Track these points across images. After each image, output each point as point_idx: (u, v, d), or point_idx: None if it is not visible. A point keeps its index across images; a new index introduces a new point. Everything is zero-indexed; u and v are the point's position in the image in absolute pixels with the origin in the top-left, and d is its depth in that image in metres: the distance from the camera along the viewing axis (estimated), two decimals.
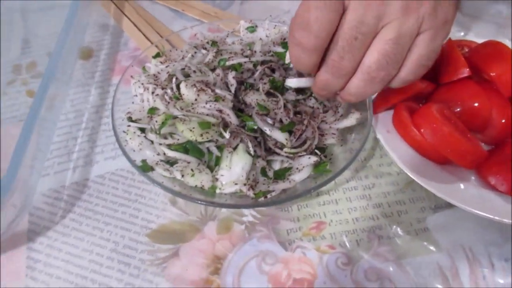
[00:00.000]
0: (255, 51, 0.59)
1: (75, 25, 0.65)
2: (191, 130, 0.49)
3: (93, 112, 0.63)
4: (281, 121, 0.53)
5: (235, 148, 0.50)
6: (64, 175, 0.56)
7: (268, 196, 0.48)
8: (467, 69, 0.56)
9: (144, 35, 0.75)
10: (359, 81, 0.43)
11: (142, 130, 0.53)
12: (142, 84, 0.56)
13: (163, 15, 0.80)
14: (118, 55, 0.72)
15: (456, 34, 0.77)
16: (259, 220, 0.52)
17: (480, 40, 0.62)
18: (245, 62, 0.57)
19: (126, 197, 0.54)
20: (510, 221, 0.47)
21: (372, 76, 0.42)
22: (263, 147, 0.53)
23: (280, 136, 0.51)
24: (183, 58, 0.61)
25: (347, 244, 0.50)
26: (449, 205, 0.52)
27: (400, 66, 0.42)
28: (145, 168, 0.49)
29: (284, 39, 0.64)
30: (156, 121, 0.52)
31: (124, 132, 0.53)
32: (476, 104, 0.55)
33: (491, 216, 0.48)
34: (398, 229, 0.51)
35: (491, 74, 0.55)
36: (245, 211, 0.52)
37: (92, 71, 0.69)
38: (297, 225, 0.51)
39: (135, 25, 0.77)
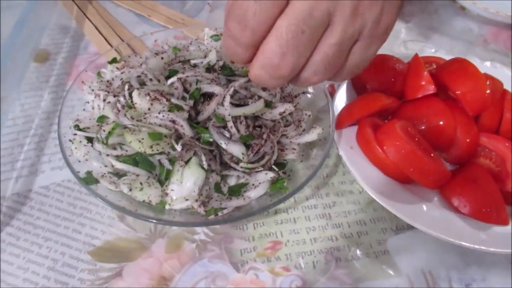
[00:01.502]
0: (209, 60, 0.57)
1: (30, 26, 0.62)
2: (140, 141, 0.46)
3: (43, 118, 0.60)
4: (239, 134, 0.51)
5: (187, 162, 0.47)
6: (5, 185, 0.52)
7: (220, 213, 0.46)
8: (433, 86, 0.55)
9: (105, 39, 0.71)
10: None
11: (90, 139, 0.50)
12: (93, 90, 0.52)
13: (128, 20, 0.77)
14: (76, 59, 0.69)
15: (427, 50, 0.76)
16: (212, 238, 0.49)
17: (450, 57, 0.61)
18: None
19: (71, 211, 0.50)
20: (471, 245, 0.46)
21: (302, 81, 0.38)
22: (219, 161, 0.50)
23: (236, 150, 0.49)
24: (141, 65, 0.58)
25: (303, 266, 0.47)
26: (411, 227, 0.50)
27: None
28: (88, 180, 0.46)
29: None
30: (104, 130, 0.49)
31: (70, 141, 0.49)
32: (441, 122, 0.54)
33: (452, 240, 0.46)
34: (357, 251, 0.49)
35: (457, 92, 0.54)
36: (197, 228, 0.49)
37: (47, 75, 0.66)
38: (251, 245, 0.48)
39: (96, 28, 0.73)
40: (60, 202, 0.51)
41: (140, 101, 0.50)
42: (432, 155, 0.51)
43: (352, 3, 0.34)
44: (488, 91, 0.53)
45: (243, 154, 0.49)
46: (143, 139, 0.46)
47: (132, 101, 0.51)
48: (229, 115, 0.49)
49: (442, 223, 0.48)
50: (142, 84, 0.54)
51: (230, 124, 0.49)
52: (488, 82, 0.57)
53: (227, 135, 0.50)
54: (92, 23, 0.74)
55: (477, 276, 0.47)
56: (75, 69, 0.67)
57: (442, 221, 0.48)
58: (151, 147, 0.46)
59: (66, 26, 0.75)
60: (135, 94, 0.50)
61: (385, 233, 0.50)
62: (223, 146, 0.49)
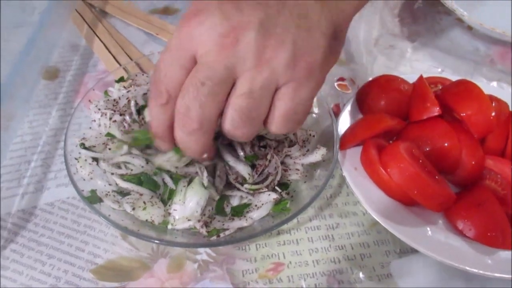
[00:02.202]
0: None
1: (41, 44, 0.63)
2: (168, 161, 0.46)
3: (51, 135, 0.60)
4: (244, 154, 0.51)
5: (190, 182, 0.47)
6: (11, 202, 0.53)
7: (222, 235, 0.45)
8: (437, 108, 0.55)
9: (114, 57, 0.72)
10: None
11: (95, 158, 0.50)
12: (99, 109, 0.53)
13: (137, 38, 0.78)
14: (85, 77, 0.70)
15: (433, 70, 0.76)
16: (214, 259, 0.49)
17: (456, 77, 0.61)
18: None
19: (74, 228, 0.51)
20: (476, 271, 0.45)
21: (231, 134, 0.38)
22: (225, 180, 0.50)
23: (243, 169, 0.49)
24: (148, 83, 0.58)
25: None
26: (415, 250, 0.49)
27: (266, 120, 0.38)
28: (92, 199, 0.46)
29: None
30: (110, 149, 0.49)
31: (75, 159, 0.50)
32: (446, 144, 0.53)
33: (457, 265, 0.45)
34: (360, 273, 0.48)
35: (462, 114, 0.54)
36: (200, 248, 0.49)
37: (56, 92, 0.67)
38: (253, 266, 0.48)
39: (105, 46, 0.74)
40: (65, 220, 0.51)
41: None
42: (436, 177, 0.51)
43: (252, 54, 0.35)
44: (493, 114, 0.53)
45: (249, 174, 0.49)
46: (170, 157, 0.47)
47: (140, 118, 0.51)
48: None
49: (446, 247, 0.47)
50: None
51: (236, 143, 0.50)
52: (493, 104, 0.57)
53: (234, 154, 0.50)
54: (102, 41, 0.76)
55: None
56: (84, 87, 0.68)
57: (447, 245, 0.48)
58: (179, 161, 0.47)
59: (76, 44, 0.76)
60: (147, 111, 0.50)
61: (388, 256, 0.50)
62: (231, 163, 0.49)
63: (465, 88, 0.55)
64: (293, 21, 0.36)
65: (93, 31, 0.78)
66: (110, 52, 0.73)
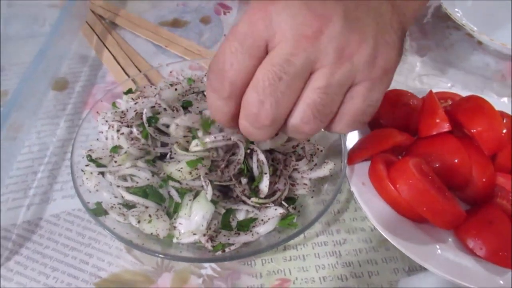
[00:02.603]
0: None
1: (51, 55, 0.64)
2: (179, 170, 0.46)
3: (58, 146, 0.60)
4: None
5: (196, 195, 0.47)
6: (17, 213, 0.53)
7: (227, 249, 0.45)
8: (447, 124, 0.54)
9: (123, 68, 0.73)
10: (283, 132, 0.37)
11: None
12: (107, 121, 0.53)
13: (146, 50, 0.78)
14: (94, 88, 0.70)
15: (443, 85, 0.75)
16: (219, 273, 0.48)
17: (466, 93, 0.61)
18: None
19: (79, 241, 0.50)
20: None
21: (296, 130, 0.36)
22: (234, 194, 0.50)
23: (263, 183, 0.48)
24: (155, 95, 0.58)
25: None
26: (424, 268, 0.48)
27: (334, 118, 0.36)
28: (98, 211, 0.46)
29: None
30: (116, 161, 0.49)
31: (82, 171, 0.50)
32: (456, 161, 0.53)
33: (467, 285, 0.44)
34: None
35: (472, 130, 0.53)
36: (205, 263, 0.49)
37: (64, 103, 0.67)
38: (259, 282, 0.47)
39: (114, 57, 0.75)
40: (69, 231, 0.51)
41: (175, 132, 0.50)
42: (446, 194, 0.50)
43: (335, 47, 0.33)
44: (504, 130, 0.52)
45: (266, 186, 0.48)
46: (182, 168, 0.46)
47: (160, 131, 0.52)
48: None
49: (456, 266, 0.46)
50: (156, 114, 0.54)
51: (262, 156, 0.49)
52: (504, 120, 0.56)
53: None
54: (111, 53, 0.76)
55: None
56: (92, 98, 0.68)
57: (457, 263, 0.47)
58: (190, 173, 0.47)
59: (85, 55, 0.77)
60: (173, 126, 0.50)
61: (396, 274, 0.49)
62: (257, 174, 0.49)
63: (476, 104, 0.55)
64: (372, 17, 0.34)
65: (103, 42, 0.79)
66: (119, 63, 0.74)
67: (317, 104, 0.34)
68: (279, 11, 0.32)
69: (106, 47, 0.77)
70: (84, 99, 0.68)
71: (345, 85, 0.34)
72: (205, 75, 0.65)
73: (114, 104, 0.59)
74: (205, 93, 0.60)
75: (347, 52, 0.33)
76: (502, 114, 0.57)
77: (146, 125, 0.51)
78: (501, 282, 0.45)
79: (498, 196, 0.52)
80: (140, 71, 0.72)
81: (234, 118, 0.37)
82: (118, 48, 0.77)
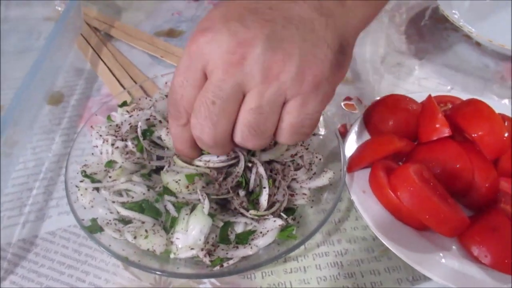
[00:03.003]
0: None
1: (46, 68, 0.63)
2: (176, 182, 0.46)
3: (54, 162, 0.60)
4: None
5: (193, 209, 0.46)
6: (12, 231, 0.52)
7: (225, 264, 0.44)
8: (448, 129, 0.53)
9: (118, 80, 0.72)
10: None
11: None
12: (101, 135, 0.52)
13: (141, 61, 0.78)
14: (89, 101, 0.70)
15: (442, 88, 0.74)
16: None
17: (466, 95, 0.60)
18: None
19: (75, 258, 0.49)
20: None
21: (242, 146, 0.40)
22: (232, 207, 0.49)
23: (262, 197, 0.48)
24: (150, 107, 0.58)
25: None
26: (428, 277, 0.47)
27: (275, 132, 0.39)
28: (92, 228, 0.45)
29: None
30: (110, 177, 0.48)
31: (76, 186, 0.49)
32: (457, 166, 0.52)
33: None
34: None
35: (473, 135, 0.52)
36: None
37: (60, 117, 0.66)
38: None
39: (110, 69, 0.74)
40: (66, 249, 0.50)
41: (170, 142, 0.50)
42: (449, 200, 0.49)
43: (260, 69, 0.35)
44: (506, 134, 0.51)
45: (265, 200, 0.47)
46: (179, 180, 0.46)
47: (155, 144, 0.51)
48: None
49: (461, 275, 0.45)
50: (151, 126, 0.54)
51: (261, 170, 0.48)
52: (506, 123, 0.55)
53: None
54: (106, 65, 0.75)
55: None
56: (88, 111, 0.68)
57: (461, 272, 0.45)
58: (187, 187, 0.46)
59: (81, 68, 0.76)
60: (163, 133, 0.51)
61: (400, 284, 0.47)
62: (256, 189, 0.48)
63: (476, 108, 0.54)
64: (299, 35, 0.36)
65: (98, 54, 0.78)
66: (114, 75, 0.73)
67: (252, 123, 0.37)
68: (209, 41, 0.36)
69: (101, 59, 0.77)
70: (80, 112, 0.68)
71: (277, 102, 0.37)
72: None
73: (109, 118, 0.58)
74: None
75: (273, 72, 0.35)
76: (503, 117, 0.56)
77: (141, 138, 0.50)
78: None
79: (502, 202, 0.51)
80: (136, 83, 0.71)
81: (193, 145, 0.42)
82: (113, 60, 0.77)
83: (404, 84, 0.75)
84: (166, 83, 0.64)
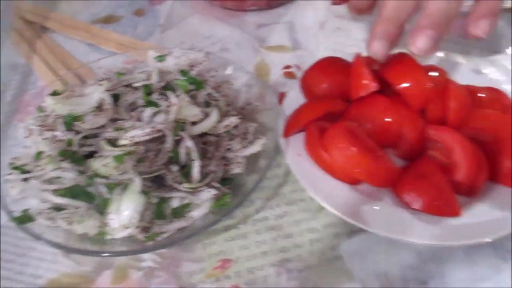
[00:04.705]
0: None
1: None
2: (105, 166, 0.46)
3: None
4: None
5: (125, 188, 0.46)
6: None
7: (160, 238, 0.44)
8: (375, 84, 0.54)
9: (55, 72, 0.71)
10: None
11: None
12: (29, 127, 0.51)
13: (79, 50, 0.76)
14: (25, 95, 0.68)
15: None
16: (159, 264, 0.47)
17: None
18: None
19: (14, 252, 0.49)
20: (425, 242, 0.44)
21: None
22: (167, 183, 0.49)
23: (194, 169, 0.48)
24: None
25: (254, 282, 0.46)
26: (364, 229, 0.48)
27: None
28: (22, 219, 0.45)
29: (192, 66, 0.61)
30: (39, 166, 0.48)
31: (5, 180, 0.48)
32: (386, 119, 0.53)
33: (406, 239, 0.45)
34: (309, 259, 0.47)
35: (399, 87, 0.53)
36: (144, 255, 0.48)
37: None
38: (200, 266, 0.47)
39: (45, 62, 0.73)
40: (5, 244, 0.50)
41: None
42: (379, 153, 0.50)
43: None
44: (429, 84, 0.52)
45: (197, 172, 0.48)
46: (108, 163, 0.46)
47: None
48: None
49: (394, 222, 0.47)
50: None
51: (190, 143, 0.49)
52: (432, 74, 0.56)
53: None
54: (41, 58, 0.74)
55: (434, 273, 0.46)
56: (23, 105, 0.66)
57: (395, 220, 0.47)
58: (116, 168, 0.46)
59: (15, 63, 0.74)
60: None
61: (338, 238, 0.49)
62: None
63: (400, 61, 0.54)
64: None
65: (32, 48, 0.76)
66: (49, 67, 0.72)
67: None
68: None
69: (36, 53, 0.75)
70: (16, 107, 0.66)
71: None
72: (134, 67, 0.63)
73: (40, 109, 0.57)
74: (134, 85, 0.58)
75: None
76: (430, 67, 0.57)
77: (64, 129, 0.50)
78: (438, 231, 0.45)
79: (430, 149, 0.52)
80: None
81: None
82: (48, 51, 0.75)
83: (343, 48, 0.75)
84: (100, 68, 0.63)
